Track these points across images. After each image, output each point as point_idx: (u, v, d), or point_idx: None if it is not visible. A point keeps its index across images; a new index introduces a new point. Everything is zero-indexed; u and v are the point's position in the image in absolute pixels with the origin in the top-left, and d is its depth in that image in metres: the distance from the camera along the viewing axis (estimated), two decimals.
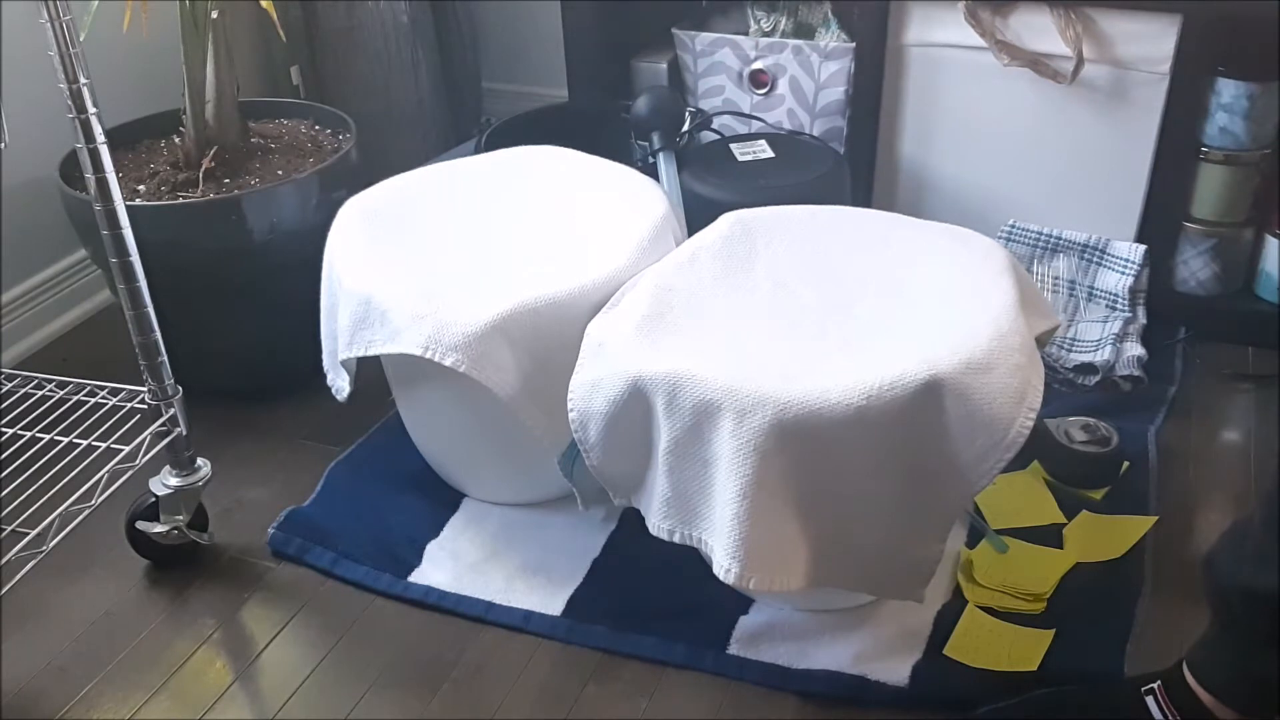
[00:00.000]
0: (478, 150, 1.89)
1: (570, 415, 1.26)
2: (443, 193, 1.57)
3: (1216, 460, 1.61)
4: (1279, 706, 1.08)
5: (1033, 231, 1.87)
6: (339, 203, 1.54)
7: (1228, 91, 1.71)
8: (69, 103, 1.24)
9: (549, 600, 1.42)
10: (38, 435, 1.39)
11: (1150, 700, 1.15)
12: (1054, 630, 1.33)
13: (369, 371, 1.48)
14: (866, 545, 1.20)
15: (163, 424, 1.41)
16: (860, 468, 1.15)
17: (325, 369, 1.50)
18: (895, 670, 1.30)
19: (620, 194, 1.53)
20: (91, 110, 1.25)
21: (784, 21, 2.05)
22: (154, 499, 1.46)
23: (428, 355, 1.30)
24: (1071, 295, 1.87)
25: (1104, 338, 1.77)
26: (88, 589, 1.49)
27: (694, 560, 1.29)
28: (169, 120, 1.84)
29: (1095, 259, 1.85)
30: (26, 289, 1.97)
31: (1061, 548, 1.45)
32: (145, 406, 1.42)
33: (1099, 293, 1.85)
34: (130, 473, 1.36)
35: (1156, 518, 1.49)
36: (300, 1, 2.24)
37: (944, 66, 1.87)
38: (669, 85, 2.14)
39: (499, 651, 1.37)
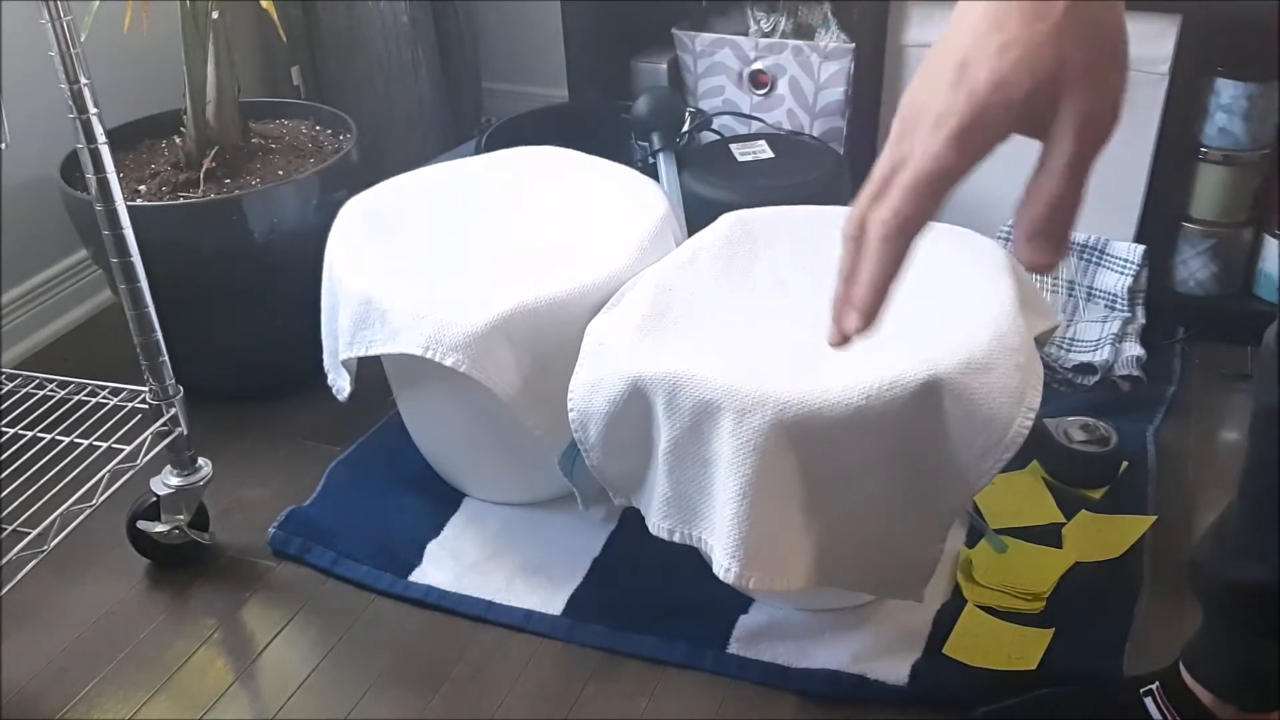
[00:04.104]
0: (478, 150, 1.89)
1: (570, 415, 1.26)
2: (443, 193, 1.57)
3: (1216, 460, 1.61)
4: (1276, 699, 1.09)
5: None
6: (339, 203, 1.54)
7: (1227, 91, 1.72)
8: (70, 103, 1.24)
9: (549, 600, 1.42)
10: (38, 435, 1.39)
11: (1149, 701, 1.15)
12: (1053, 630, 1.33)
13: (369, 371, 1.48)
14: (866, 545, 1.20)
15: (163, 424, 1.42)
16: (860, 467, 1.15)
17: (326, 369, 1.50)
18: (895, 670, 1.30)
19: (620, 194, 1.53)
20: (92, 110, 1.25)
21: (784, 22, 2.05)
22: (155, 499, 1.46)
23: (428, 355, 1.30)
24: (1071, 295, 1.87)
25: (1103, 338, 1.77)
26: (88, 589, 1.49)
27: (694, 560, 1.29)
28: (169, 120, 1.84)
29: (1094, 259, 1.85)
30: (27, 289, 1.97)
31: (1061, 547, 1.46)
32: (146, 406, 1.42)
33: (1098, 293, 1.85)
34: (131, 472, 1.36)
35: (1155, 517, 1.49)
36: (300, 1, 2.24)
37: None
38: (669, 85, 2.14)
39: (499, 651, 1.37)
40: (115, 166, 1.31)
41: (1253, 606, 1.05)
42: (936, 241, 1.37)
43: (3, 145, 1.26)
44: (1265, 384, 1.03)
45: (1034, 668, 1.29)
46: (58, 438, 1.38)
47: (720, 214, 1.44)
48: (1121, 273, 1.82)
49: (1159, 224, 1.84)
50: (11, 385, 1.49)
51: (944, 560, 1.41)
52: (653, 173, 1.79)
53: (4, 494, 1.32)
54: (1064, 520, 1.50)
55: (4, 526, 1.27)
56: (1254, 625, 1.06)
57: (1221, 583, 1.08)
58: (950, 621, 1.36)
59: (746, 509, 1.13)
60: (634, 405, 1.20)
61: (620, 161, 1.62)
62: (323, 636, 1.41)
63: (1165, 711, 1.13)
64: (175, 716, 1.31)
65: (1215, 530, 1.11)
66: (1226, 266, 1.84)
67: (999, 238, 1.88)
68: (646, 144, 1.91)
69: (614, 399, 1.21)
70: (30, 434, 1.40)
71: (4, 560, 1.25)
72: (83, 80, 1.23)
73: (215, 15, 1.68)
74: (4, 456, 1.40)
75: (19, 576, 1.28)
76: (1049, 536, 1.47)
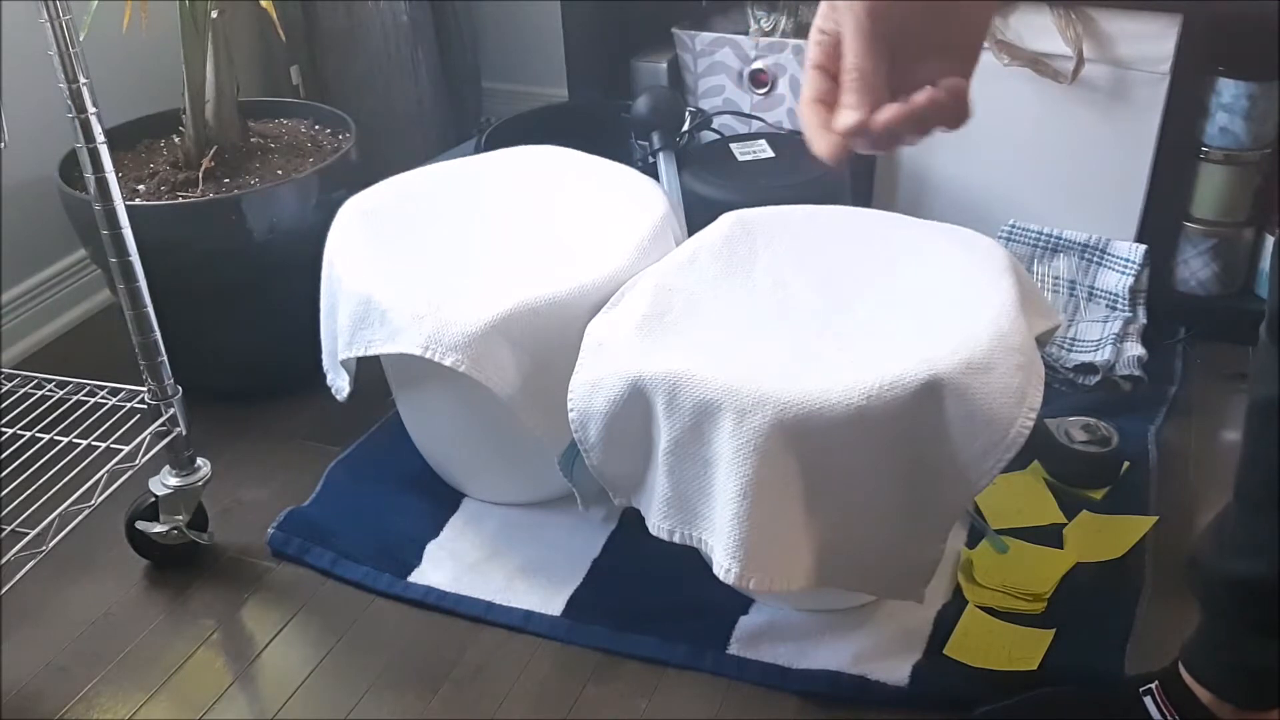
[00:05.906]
0: (478, 150, 1.89)
1: (570, 415, 1.26)
2: (443, 193, 1.57)
3: (1216, 460, 1.61)
4: (1275, 696, 1.09)
5: (1033, 231, 1.87)
6: (339, 203, 1.54)
7: (1228, 91, 1.71)
8: (69, 102, 1.24)
9: (549, 600, 1.42)
10: (38, 435, 1.39)
11: (1148, 700, 1.15)
12: (1054, 630, 1.33)
13: (369, 371, 1.48)
14: (867, 545, 1.20)
15: (162, 424, 1.41)
16: (860, 468, 1.15)
17: (325, 369, 1.50)
18: (895, 670, 1.30)
19: (620, 194, 1.53)
20: (91, 110, 1.25)
21: (784, 21, 2.05)
22: (154, 499, 1.46)
23: (427, 355, 1.30)
24: (1071, 295, 1.87)
25: (1104, 337, 1.77)
26: (88, 589, 1.49)
27: (694, 560, 1.29)
28: (169, 120, 1.84)
29: (1095, 259, 1.85)
30: (26, 289, 1.97)
31: (1061, 548, 1.45)
32: (145, 406, 1.42)
33: (1099, 292, 1.84)
34: (130, 473, 1.36)
35: (1157, 518, 1.49)
36: (300, 1, 2.24)
37: None
38: (669, 85, 2.14)
39: (499, 651, 1.37)
40: (114, 166, 1.30)
41: (1250, 602, 1.05)
42: (936, 241, 1.37)
43: (2, 144, 1.26)
44: (1260, 378, 1.03)
45: (1035, 668, 1.29)
46: (56, 438, 1.38)
47: (720, 214, 1.44)
48: (1123, 272, 1.82)
49: (1160, 224, 1.84)
50: (10, 385, 1.48)
51: (945, 561, 1.41)
52: (653, 172, 1.79)
53: (3, 494, 1.32)
54: (1065, 521, 1.50)
55: (3, 526, 1.27)
56: (1251, 621, 1.06)
57: (1219, 578, 1.08)
58: (951, 622, 1.35)
59: (747, 509, 1.12)
60: (634, 405, 1.20)
61: (620, 161, 1.61)
62: (322, 637, 1.41)
63: (1164, 710, 1.13)
64: (174, 717, 1.31)
65: (1214, 527, 1.11)
66: (1228, 266, 1.83)
67: (999, 238, 1.88)
68: (646, 144, 1.91)
69: (614, 399, 1.21)
70: (29, 434, 1.40)
71: (3, 560, 1.24)
72: (81, 79, 1.23)
73: (214, 15, 1.68)
74: (3, 456, 1.40)
75: (18, 576, 1.28)
76: (1050, 537, 1.47)
